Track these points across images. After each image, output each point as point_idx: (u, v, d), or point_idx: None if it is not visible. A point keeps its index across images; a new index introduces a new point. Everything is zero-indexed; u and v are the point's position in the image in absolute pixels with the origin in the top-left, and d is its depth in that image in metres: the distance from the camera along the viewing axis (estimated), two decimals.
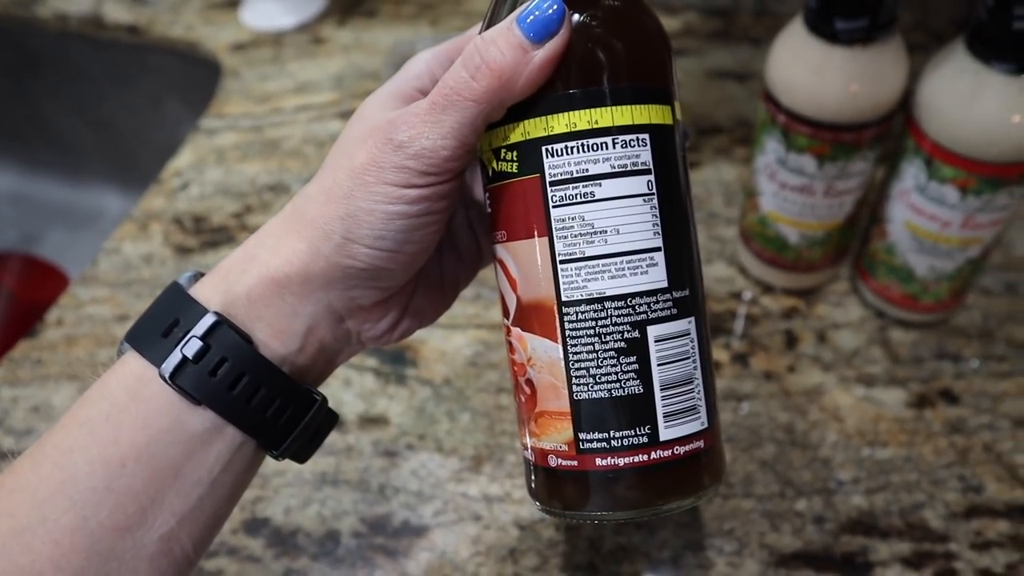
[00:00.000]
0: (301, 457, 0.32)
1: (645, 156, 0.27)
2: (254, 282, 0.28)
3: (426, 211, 0.28)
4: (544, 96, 0.27)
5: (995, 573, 0.43)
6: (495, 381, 0.53)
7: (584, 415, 0.28)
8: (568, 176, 0.27)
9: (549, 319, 0.28)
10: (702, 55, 0.73)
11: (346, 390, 0.53)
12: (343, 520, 0.48)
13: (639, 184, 0.27)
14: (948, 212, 0.45)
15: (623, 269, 0.27)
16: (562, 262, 0.27)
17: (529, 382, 0.29)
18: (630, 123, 0.27)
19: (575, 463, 0.28)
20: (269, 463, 0.50)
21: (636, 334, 0.27)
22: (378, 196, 0.27)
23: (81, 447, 0.26)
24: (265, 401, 0.28)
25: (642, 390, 0.27)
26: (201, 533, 0.28)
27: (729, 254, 0.58)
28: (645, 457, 0.28)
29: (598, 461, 0.28)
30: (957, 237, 0.47)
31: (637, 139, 0.27)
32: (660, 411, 0.28)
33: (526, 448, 0.31)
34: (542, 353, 0.28)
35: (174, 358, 0.27)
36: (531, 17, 0.26)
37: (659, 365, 0.28)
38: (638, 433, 0.28)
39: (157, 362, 0.27)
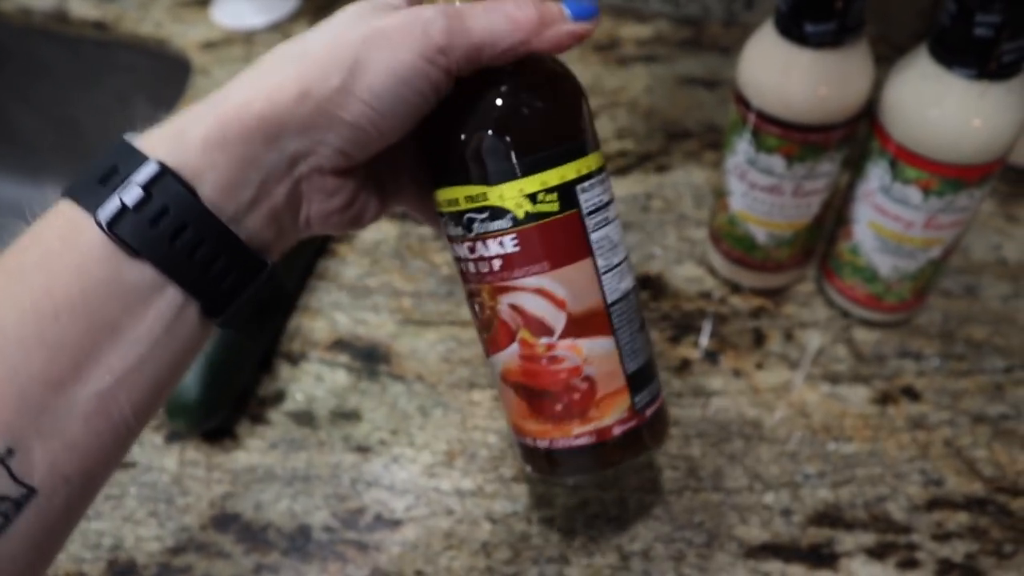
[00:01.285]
0: (249, 332, 0.31)
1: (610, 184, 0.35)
2: (217, 122, 0.27)
3: (424, 90, 0.29)
4: (572, 146, 0.33)
5: (955, 563, 0.45)
6: (467, 377, 0.53)
7: (634, 384, 0.36)
8: (595, 207, 0.33)
9: (601, 320, 0.34)
10: (672, 62, 0.74)
11: (318, 386, 0.53)
12: (314, 515, 0.48)
13: (615, 206, 0.35)
14: (911, 212, 0.47)
15: (628, 269, 0.36)
16: (603, 273, 0.34)
17: (586, 379, 0.34)
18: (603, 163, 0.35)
19: (635, 422, 0.36)
20: (239, 459, 0.50)
21: (640, 314, 0.36)
22: (397, 55, 0.28)
23: (11, 296, 0.25)
24: (208, 257, 0.27)
25: (650, 352, 0.37)
26: (141, 398, 0.27)
27: (699, 255, 0.59)
28: (662, 396, 0.38)
29: (647, 412, 0.36)
30: (920, 237, 0.48)
31: (606, 174, 0.35)
32: (655, 363, 0.38)
33: (578, 437, 0.35)
34: (598, 349, 0.34)
35: (112, 204, 0.25)
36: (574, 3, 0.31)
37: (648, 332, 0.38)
38: (657, 381, 0.38)
39: (92, 208, 0.25)
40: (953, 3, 0.41)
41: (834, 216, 0.54)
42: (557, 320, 0.33)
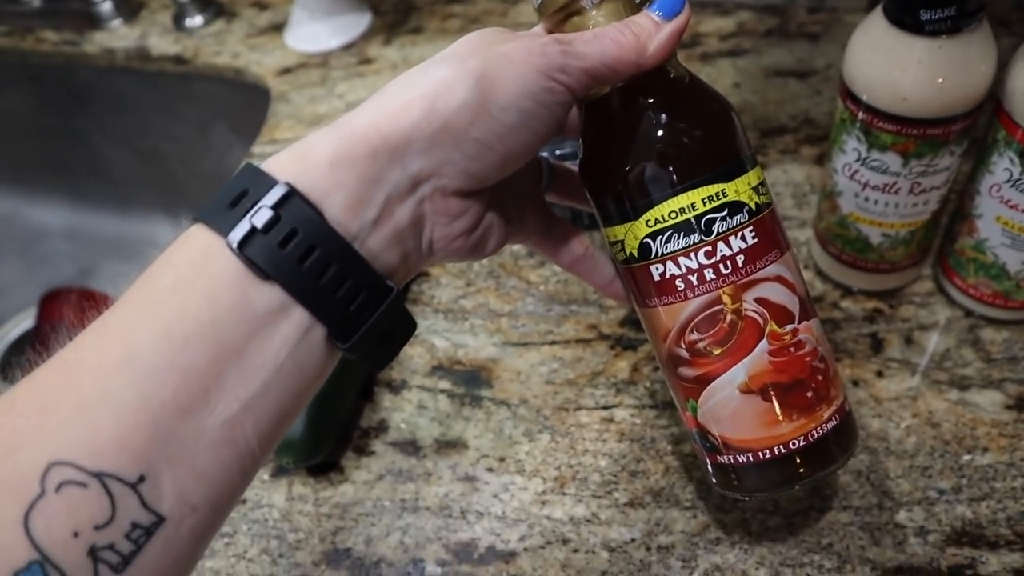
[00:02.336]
0: (375, 359, 0.30)
1: None
2: (343, 143, 0.27)
3: (550, 106, 0.30)
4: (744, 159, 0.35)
5: None
6: (572, 399, 0.51)
7: None
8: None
9: (810, 299, 0.37)
10: (759, 54, 0.71)
11: (421, 413, 0.52)
12: (426, 548, 0.47)
13: None
14: None
15: None
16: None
17: (822, 359, 0.36)
18: None
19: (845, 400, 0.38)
20: (346, 492, 0.49)
21: None
22: (521, 71, 0.29)
23: (145, 322, 0.25)
24: (336, 280, 0.27)
25: None
26: (265, 427, 0.26)
27: (804, 257, 0.57)
28: None
29: None
30: None
31: None
32: None
33: (828, 421, 0.36)
34: (818, 328, 0.37)
35: (242, 227, 0.26)
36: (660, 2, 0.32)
37: None
38: None
39: (224, 232, 0.26)
40: None
41: (954, 210, 0.51)
42: (794, 305, 0.35)
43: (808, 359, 0.35)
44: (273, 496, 0.50)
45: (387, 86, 0.30)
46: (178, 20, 0.90)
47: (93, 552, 0.22)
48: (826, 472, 0.37)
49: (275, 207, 0.26)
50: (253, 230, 0.26)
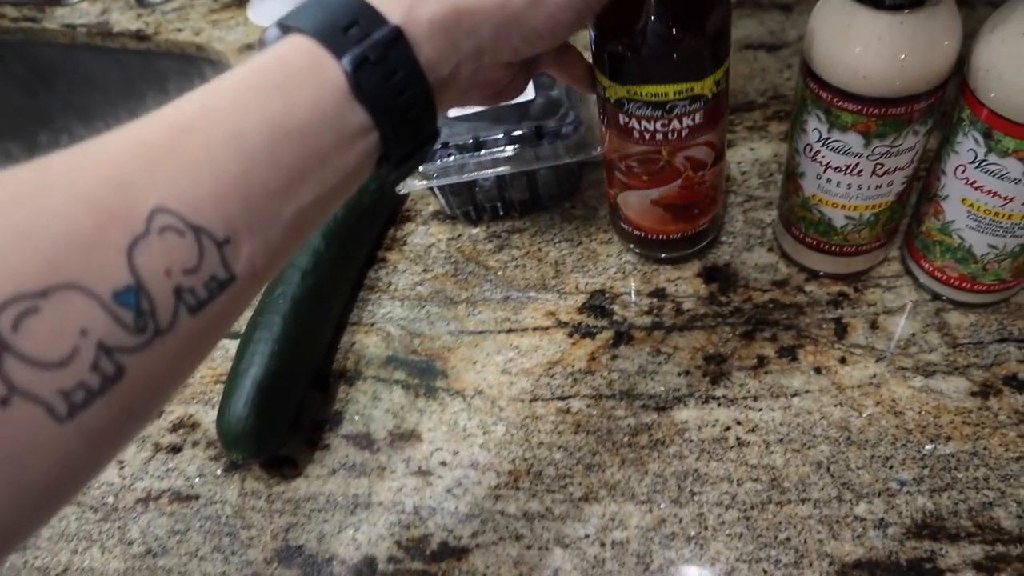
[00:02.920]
0: (394, 179, 0.34)
1: None
2: (440, 8, 0.31)
3: (594, 4, 0.35)
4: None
5: None
6: (528, 389, 0.50)
7: None
8: None
9: (724, 150, 0.50)
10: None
11: (375, 406, 0.51)
12: (379, 545, 0.46)
13: None
14: (1011, 187, 0.42)
15: None
16: None
17: (714, 187, 0.51)
18: None
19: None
20: (299, 488, 0.48)
21: None
22: None
23: (255, 108, 0.27)
24: (417, 117, 0.31)
25: None
26: (318, 221, 0.31)
27: (770, 239, 0.55)
28: None
29: None
30: (1020, 213, 0.43)
31: None
32: None
33: (701, 225, 0.52)
34: (720, 169, 0.51)
35: (356, 54, 0.29)
36: None
37: None
38: None
39: (339, 53, 0.29)
40: None
41: (920, 190, 0.49)
42: (711, 158, 0.47)
43: (704, 190, 0.49)
44: (226, 492, 0.49)
45: None
46: None
47: (178, 291, 0.25)
48: (689, 251, 0.54)
49: (386, 46, 0.29)
50: (366, 59, 0.29)
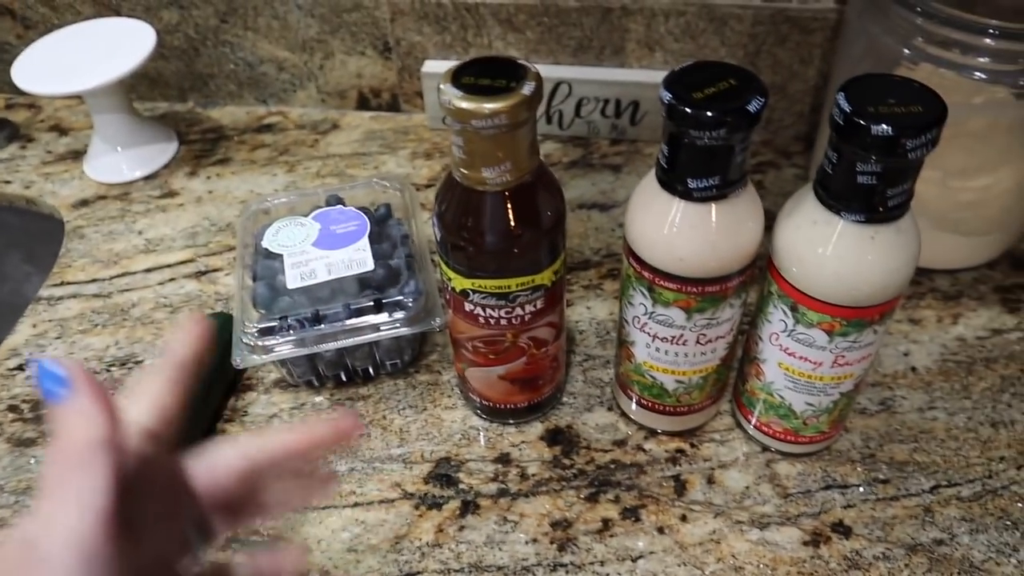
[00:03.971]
0: None
1: None
2: None
3: None
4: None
5: None
6: (375, 567, 0.49)
7: None
8: None
9: (563, 326, 0.53)
10: (564, 187, 0.73)
11: None
12: None
13: None
14: (818, 353, 0.45)
15: None
16: None
17: (556, 359, 0.54)
18: None
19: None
20: None
21: None
22: None
23: None
24: None
25: None
26: None
27: (609, 398, 0.57)
28: None
29: None
30: (830, 375, 0.47)
31: None
32: None
33: (546, 392, 0.55)
34: (560, 343, 0.54)
35: None
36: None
37: None
38: None
39: None
40: (833, 152, 0.40)
41: (743, 352, 0.53)
42: (552, 335, 0.51)
43: (547, 363, 0.52)
44: None
45: None
46: None
47: None
48: (535, 416, 0.56)
49: None
50: None
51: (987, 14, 0.53)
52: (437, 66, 0.78)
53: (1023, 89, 0.55)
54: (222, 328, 0.58)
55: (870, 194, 0.40)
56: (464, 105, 0.38)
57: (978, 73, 0.54)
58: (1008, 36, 0.52)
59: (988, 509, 0.50)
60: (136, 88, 0.88)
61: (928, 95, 0.38)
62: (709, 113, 0.38)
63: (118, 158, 0.79)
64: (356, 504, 0.52)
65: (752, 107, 0.38)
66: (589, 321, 0.62)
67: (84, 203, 0.77)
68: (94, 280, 0.69)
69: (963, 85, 0.55)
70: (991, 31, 0.52)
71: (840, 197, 0.41)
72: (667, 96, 0.39)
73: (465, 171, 0.41)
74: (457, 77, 0.40)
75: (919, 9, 0.55)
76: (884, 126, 0.36)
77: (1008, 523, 0.50)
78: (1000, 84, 0.55)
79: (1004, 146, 0.59)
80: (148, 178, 0.79)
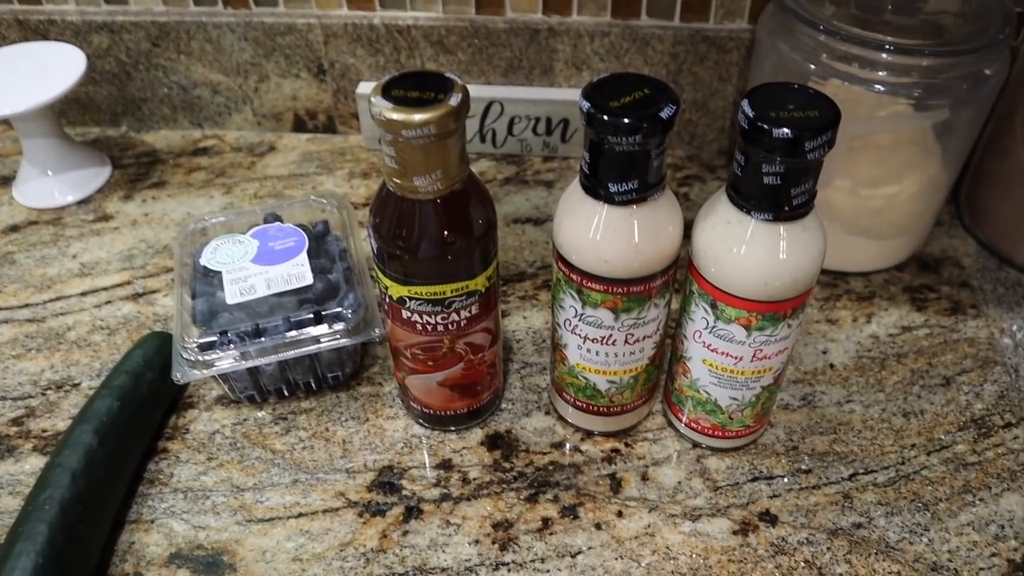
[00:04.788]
0: None
1: None
2: None
3: None
4: None
5: None
6: (321, 574, 0.49)
7: None
8: None
9: (499, 333, 0.55)
10: (499, 202, 0.75)
11: None
12: None
13: None
14: (738, 348, 0.48)
15: None
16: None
17: (493, 365, 0.56)
18: None
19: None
20: None
21: None
22: None
23: None
24: None
25: None
26: None
27: (546, 403, 0.59)
28: None
29: None
30: (750, 369, 0.49)
31: None
32: None
33: (484, 398, 0.57)
34: (498, 350, 0.56)
35: None
36: None
37: None
38: None
39: None
40: (741, 155, 0.43)
41: (671, 351, 0.55)
42: (488, 341, 0.52)
43: (485, 369, 0.54)
44: None
45: None
46: None
47: None
48: (475, 423, 0.57)
49: None
50: None
51: (883, 31, 0.58)
52: (371, 87, 0.80)
53: (920, 100, 0.59)
54: (161, 347, 0.58)
55: (776, 194, 0.42)
56: (394, 116, 0.40)
57: (878, 86, 0.58)
58: (902, 51, 0.57)
59: (902, 493, 0.54)
60: (67, 113, 0.88)
61: (823, 101, 0.41)
62: (626, 120, 0.40)
63: (49, 183, 0.79)
64: (300, 515, 0.52)
65: (664, 113, 0.41)
66: (526, 330, 0.64)
67: (14, 228, 0.76)
68: (26, 305, 0.68)
69: (868, 99, 0.59)
70: (887, 47, 0.57)
71: (750, 197, 0.44)
72: (586, 105, 0.41)
73: (398, 181, 0.43)
74: (387, 90, 0.42)
75: (822, 27, 0.58)
76: (785, 129, 0.39)
77: (920, 505, 0.53)
78: (899, 96, 0.59)
79: (908, 156, 0.63)
80: (81, 203, 0.79)
